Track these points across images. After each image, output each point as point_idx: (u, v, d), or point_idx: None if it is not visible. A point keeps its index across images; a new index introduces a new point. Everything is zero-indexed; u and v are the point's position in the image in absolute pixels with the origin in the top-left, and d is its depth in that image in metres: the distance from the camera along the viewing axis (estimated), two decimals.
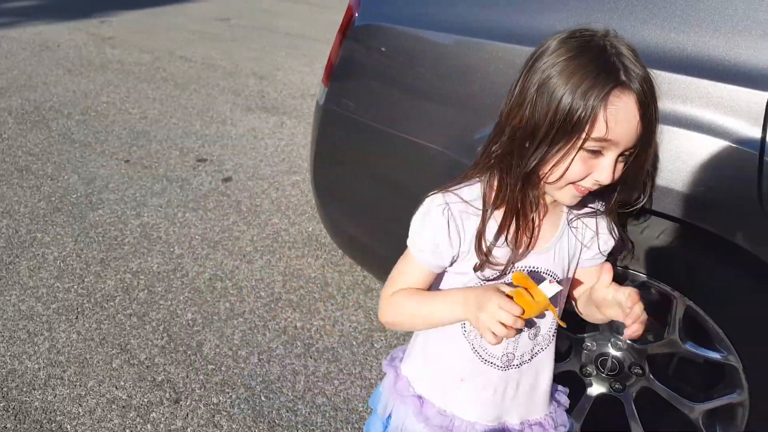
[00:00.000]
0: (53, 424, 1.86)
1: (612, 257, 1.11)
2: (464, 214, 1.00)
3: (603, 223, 1.08)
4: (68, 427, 1.85)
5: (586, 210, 1.06)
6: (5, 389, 1.99)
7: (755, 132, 1.11)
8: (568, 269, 1.08)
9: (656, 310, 1.44)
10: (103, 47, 5.84)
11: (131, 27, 6.65)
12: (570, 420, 1.21)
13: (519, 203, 0.96)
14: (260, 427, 1.86)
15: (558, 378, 1.20)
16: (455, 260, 1.04)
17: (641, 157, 0.93)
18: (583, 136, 0.86)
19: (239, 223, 2.93)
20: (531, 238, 1.01)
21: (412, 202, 1.66)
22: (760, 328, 1.23)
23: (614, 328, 1.42)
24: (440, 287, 1.10)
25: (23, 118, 4.16)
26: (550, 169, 0.91)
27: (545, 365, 1.13)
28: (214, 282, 2.50)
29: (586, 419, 1.53)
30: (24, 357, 2.13)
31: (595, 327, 1.45)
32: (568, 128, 0.87)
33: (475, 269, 1.01)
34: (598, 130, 0.86)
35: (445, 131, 1.51)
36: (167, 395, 1.96)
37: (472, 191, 1.01)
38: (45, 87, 4.75)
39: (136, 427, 1.85)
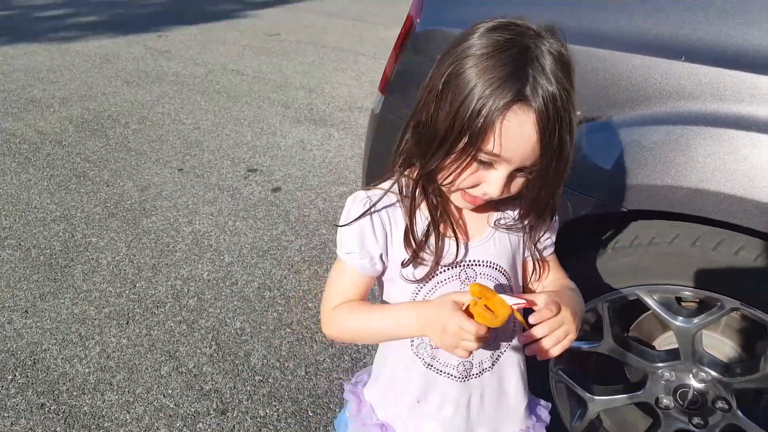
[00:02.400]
0: (101, 431, 1.79)
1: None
2: (389, 208, 0.93)
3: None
4: None
5: (506, 218, 0.97)
6: (56, 392, 1.93)
7: None
8: (514, 260, 0.98)
9: (749, 339, 1.29)
10: (159, 60, 5.90)
11: (186, 41, 6.72)
12: None
13: (425, 202, 0.90)
14: None
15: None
16: (387, 264, 0.95)
17: (546, 175, 0.82)
18: (477, 146, 0.78)
19: (287, 233, 2.85)
20: (456, 235, 0.92)
21: None
22: None
23: (697, 357, 1.26)
24: (382, 298, 1.01)
25: (83, 126, 4.20)
26: (442, 174, 0.84)
27: (510, 370, 1.01)
28: (262, 291, 2.42)
29: None
30: (75, 360, 2.07)
31: (674, 356, 1.30)
32: (464, 136, 0.77)
33: (403, 265, 0.92)
34: (489, 145, 0.77)
35: None
36: (214, 405, 1.87)
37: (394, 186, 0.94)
38: (104, 97, 4.80)
39: None
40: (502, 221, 0.96)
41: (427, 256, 0.91)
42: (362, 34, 7.20)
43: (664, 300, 1.27)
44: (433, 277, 0.93)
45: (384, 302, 1.00)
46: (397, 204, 0.92)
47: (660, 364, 1.31)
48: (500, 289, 0.95)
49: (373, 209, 0.91)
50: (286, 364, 2.03)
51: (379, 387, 1.08)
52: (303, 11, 8.80)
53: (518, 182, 0.84)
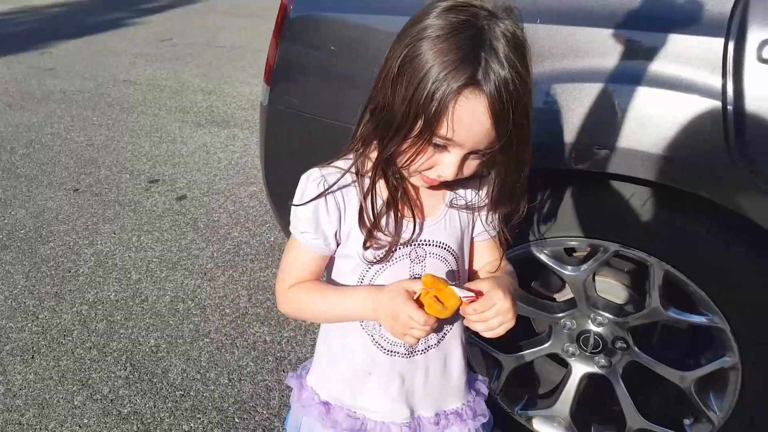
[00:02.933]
0: None
1: (508, 227, 1.02)
2: (344, 188, 0.91)
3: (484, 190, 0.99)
4: None
5: (460, 197, 0.97)
6: None
7: (715, 81, 1.02)
8: (462, 240, 0.99)
9: (634, 278, 1.35)
10: (44, 79, 5.54)
11: (72, 56, 6.34)
12: (489, 412, 1.11)
13: (386, 183, 0.89)
14: None
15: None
16: (340, 241, 0.95)
17: (507, 159, 0.83)
18: (431, 130, 0.77)
19: (198, 241, 2.75)
20: (413, 215, 0.92)
21: None
22: (744, 285, 1.14)
23: (592, 302, 1.31)
24: (331, 275, 1.01)
25: None
26: (400, 158, 0.83)
27: (454, 349, 1.03)
28: (175, 304, 2.32)
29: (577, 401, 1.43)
30: None
31: (572, 304, 1.34)
32: (419, 119, 0.77)
33: (365, 247, 0.91)
34: (443, 129, 0.77)
35: None
36: (135, 428, 1.78)
37: (348, 165, 0.92)
38: None
39: None
40: (457, 201, 0.96)
41: (383, 236, 0.91)
42: (258, 31, 7.03)
43: (555, 253, 1.31)
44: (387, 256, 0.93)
45: (332, 281, 1.00)
46: (352, 183, 0.91)
47: (560, 314, 1.36)
48: (450, 275, 0.97)
49: (326, 187, 0.90)
50: (208, 375, 1.96)
51: (321, 367, 1.08)
52: (195, 13, 8.51)
53: (472, 165, 0.84)
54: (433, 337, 1.00)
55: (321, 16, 1.57)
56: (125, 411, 1.85)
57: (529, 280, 1.48)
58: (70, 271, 2.58)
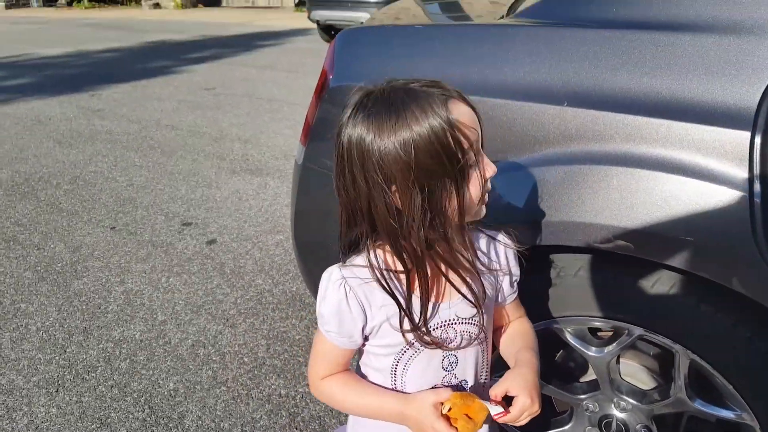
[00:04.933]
0: None
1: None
2: (365, 285, 0.89)
3: (510, 252, 1.00)
4: None
5: (487, 242, 0.98)
6: None
7: (742, 173, 1.01)
8: (489, 310, 0.98)
9: (660, 364, 1.30)
10: (92, 119, 5.71)
11: (120, 99, 6.55)
12: None
13: (427, 260, 0.87)
14: None
15: None
16: (368, 336, 0.94)
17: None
18: (464, 154, 0.80)
19: (223, 286, 2.74)
20: (442, 290, 0.91)
21: None
22: None
23: (615, 386, 1.26)
24: (362, 359, 1.00)
25: (13, 189, 3.98)
26: (457, 206, 0.83)
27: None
28: (197, 349, 2.30)
29: None
30: None
31: (595, 386, 1.29)
32: (452, 163, 0.79)
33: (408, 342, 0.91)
34: (467, 141, 0.81)
35: None
36: None
37: (365, 260, 0.90)
38: (35, 159, 4.58)
39: None
40: (483, 268, 0.96)
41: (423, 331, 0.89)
42: (294, 85, 7.22)
43: (578, 331, 1.27)
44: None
45: (364, 365, 1.00)
46: (374, 279, 0.89)
47: (582, 396, 1.30)
48: (476, 360, 0.97)
49: (348, 289, 0.89)
50: (222, 425, 1.92)
51: None
52: (237, 65, 8.77)
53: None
54: None
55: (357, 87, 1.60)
56: None
57: (552, 354, 1.44)
58: (99, 308, 2.58)
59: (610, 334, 1.29)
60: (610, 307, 1.21)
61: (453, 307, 0.92)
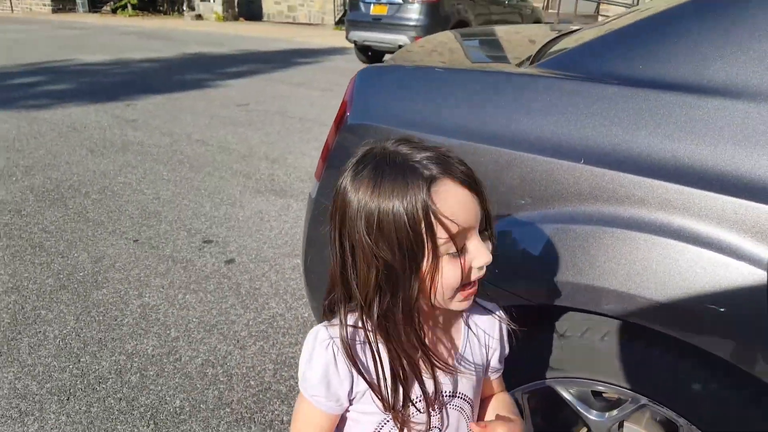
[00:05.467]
0: None
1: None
2: (353, 345, 0.88)
3: (504, 326, 1.01)
4: None
5: (481, 314, 0.99)
6: None
7: (764, 252, 0.98)
8: (477, 386, 1.00)
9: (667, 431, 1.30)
10: (125, 129, 5.96)
11: (154, 111, 6.81)
12: None
13: (408, 337, 0.85)
14: None
15: None
16: (354, 400, 0.92)
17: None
18: (437, 242, 0.78)
19: (237, 307, 2.85)
20: (431, 362, 0.90)
21: None
22: None
23: None
24: (345, 424, 0.98)
25: (44, 195, 4.19)
26: (431, 288, 0.81)
27: None
28: (205, 368, 2.40)
29: None
30: None
31: None
32: (418, 248, 0.78)
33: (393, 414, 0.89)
34: (444, 230, 0.78)
35: None
36: None
37: (354, 320, 0.90)
38: (67, 166, 4.81)
39: None
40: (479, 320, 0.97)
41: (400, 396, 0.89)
42: (327, 104, 7.39)
43: (580, 393, 1.28)
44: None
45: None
46: (359, 339, 0.89)
47: None
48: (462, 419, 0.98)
49: (336, 350, 0.88)
50: None
51: None
52: (273, 81, 9.02)
53: (489, 245, 0.85)
54: None
55: (376, 126, 1.66)
56: None
57: (548, 415, 1.45)
58: (116, 320, 2.71)
59: (615, 398, 1.29)
60: (615, 373, 1.21)
61: (443, 380, 0.93)
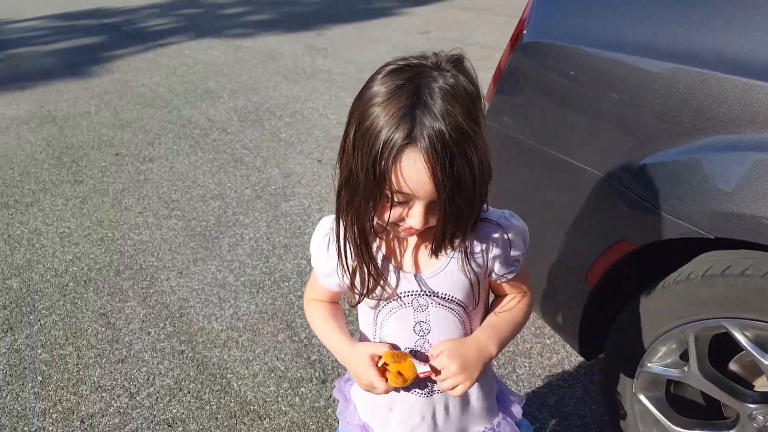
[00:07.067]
0: (223, 380, 2.08)
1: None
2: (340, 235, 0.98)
3: (510, 234, 1.00)
4: (234, 385, 2.06)
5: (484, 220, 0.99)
6: (194, 342, 2.27)
7: None
8: (473, 290, 1.00)
9: None
10: (316, 57, 6.35)
11: (342, 39, 7.14)
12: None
13: (366, 241, 0.93)
14: None
15: None
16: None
17: (447, 209, 0.83)
18: (387, 188, 0.82)
19: None
20: (402, 264, 0.99)
21: (560, 221, 1.57)
22: None
23: None
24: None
25: (245, 117, 4.69)
26: (374, 216, 0.88)
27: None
28: None
29: None
30: (212, 318, 2.41)
31: (766, 398, 1.23)
32: (377, 183, 0.81)
33: (356, 297, 1.00)
34: (396, 186, 0.81)
35: (604, 155, 1.41)
36: (317, 374, 2.09)
37: None
38: (265, 91, 5.30)
39: (287, 397, 2.01)
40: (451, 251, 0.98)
41: (379, 288, 0.98)
42: (510, 31, 7.11)
43: (758, 337, 1.18)
44: (388, 302, 1.01)
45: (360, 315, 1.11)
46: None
47: (752, 405, 1.23)
48: (456, 327, 1.03)
49: (331, 238, 0.99)
50: None
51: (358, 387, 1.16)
52: (455, 8, 8.88)
53: (437, 213, 0.87)
54: None
55: (555, 44, 1.61)
56: (313, 357, 2.17)
57: (727, 358, 1.36)
58: (299, 228, 3.03)
59: None
60: None
61: (425, 280, 0.99)
